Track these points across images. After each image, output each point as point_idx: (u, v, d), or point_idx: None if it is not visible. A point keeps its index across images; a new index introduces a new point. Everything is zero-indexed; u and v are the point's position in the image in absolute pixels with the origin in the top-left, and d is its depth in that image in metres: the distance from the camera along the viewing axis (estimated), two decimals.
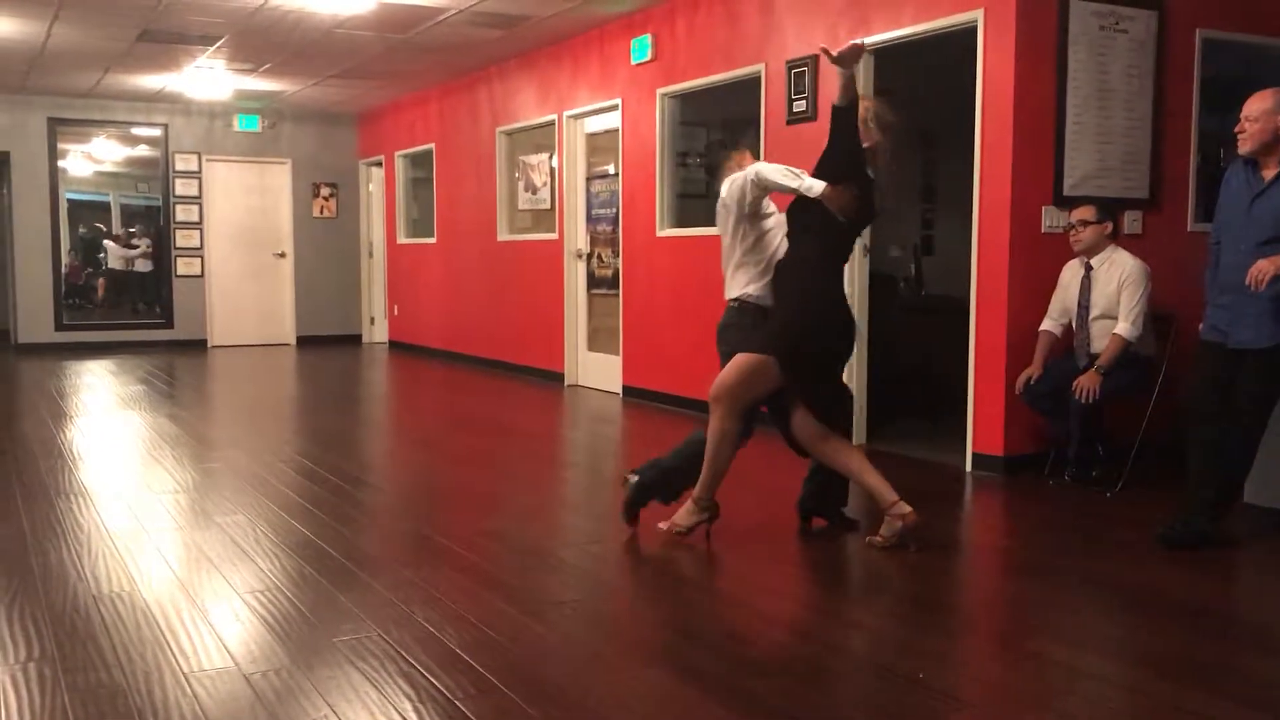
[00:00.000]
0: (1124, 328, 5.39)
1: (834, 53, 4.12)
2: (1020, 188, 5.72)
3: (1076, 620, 3.73)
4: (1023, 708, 2.95)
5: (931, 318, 7.43)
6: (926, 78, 7.24)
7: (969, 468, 5.95)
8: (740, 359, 4.33)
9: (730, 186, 4.41)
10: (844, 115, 4.19)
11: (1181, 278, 5.68)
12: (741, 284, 4.45)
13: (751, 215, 4.43)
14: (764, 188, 4.30)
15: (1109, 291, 5.48)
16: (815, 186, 4.17)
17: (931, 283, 8.13)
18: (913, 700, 2.95)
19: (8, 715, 2.78)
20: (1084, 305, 5.57)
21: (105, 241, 13.93)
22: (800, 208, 4.32)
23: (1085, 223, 5.55)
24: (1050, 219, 5.82)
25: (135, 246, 13.93)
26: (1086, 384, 5.33)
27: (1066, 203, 5.77)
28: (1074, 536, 4.86)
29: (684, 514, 4.52)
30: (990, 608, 3.98)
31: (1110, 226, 5.57)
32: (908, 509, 4.35)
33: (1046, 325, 5.69)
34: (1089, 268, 5.57)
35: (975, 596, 4.16)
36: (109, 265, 13.93)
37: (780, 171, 4.25)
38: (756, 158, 4.59)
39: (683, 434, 7.38)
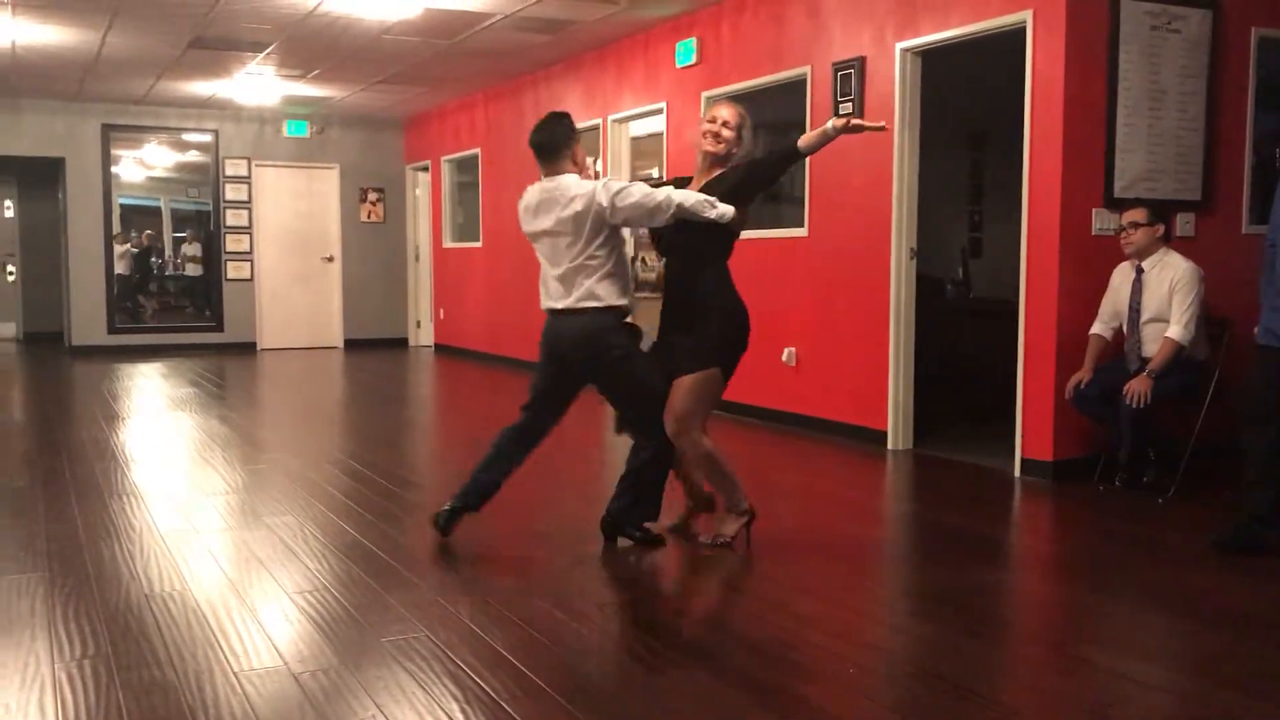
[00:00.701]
0: (1176, 331, 5.31)
1: (856, 122, 4.19)
2: (1070, 190, 5.66)
3: (1128, 627, 3.68)
4: (1073, 716, 2.91)
5: (979, 321, 7.37)
6: (974, 79, 7.18)
7: (1018, 472, 5.88)
8: (688, 383, 4.30)
9: (622, 199, 4.21)
10: (796, 159, 4.33)
11: (1236, 281, 5.60)
12: (617, 292, 4.30)
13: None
14: (681, 218, 4.20)
15: (1160, 295, 5.41)
16: (727, 213, 4.18)
17: (979, 285, 8.07)
18: (961, 707, 2.92)
19: (64, 712, 2.83)
20: (1135, 309, 5.50)
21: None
22: (706, 230, 4.26)
23: (1136, 225, 5.48)
24: (1101, 221, 5.75)
25: (126, 243, 14.03)
26: (1138, 388, 5.26)
27: (1117, 205, 5.70)
28: (1125, 542, 4.79)
29: (725, 524, 4.51)
30: (1039, 614, 3.94)
31: (1162, 229, 5.50)
32: (749, 507, 4.46)
33: (1097, 329, 5.62)
34: (1140, 270, 5.50)
35: (1024, 603, 4.11)
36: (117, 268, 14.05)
37: (700, 202, 4.18)
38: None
39: (725, 435, 7.37)
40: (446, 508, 4.50)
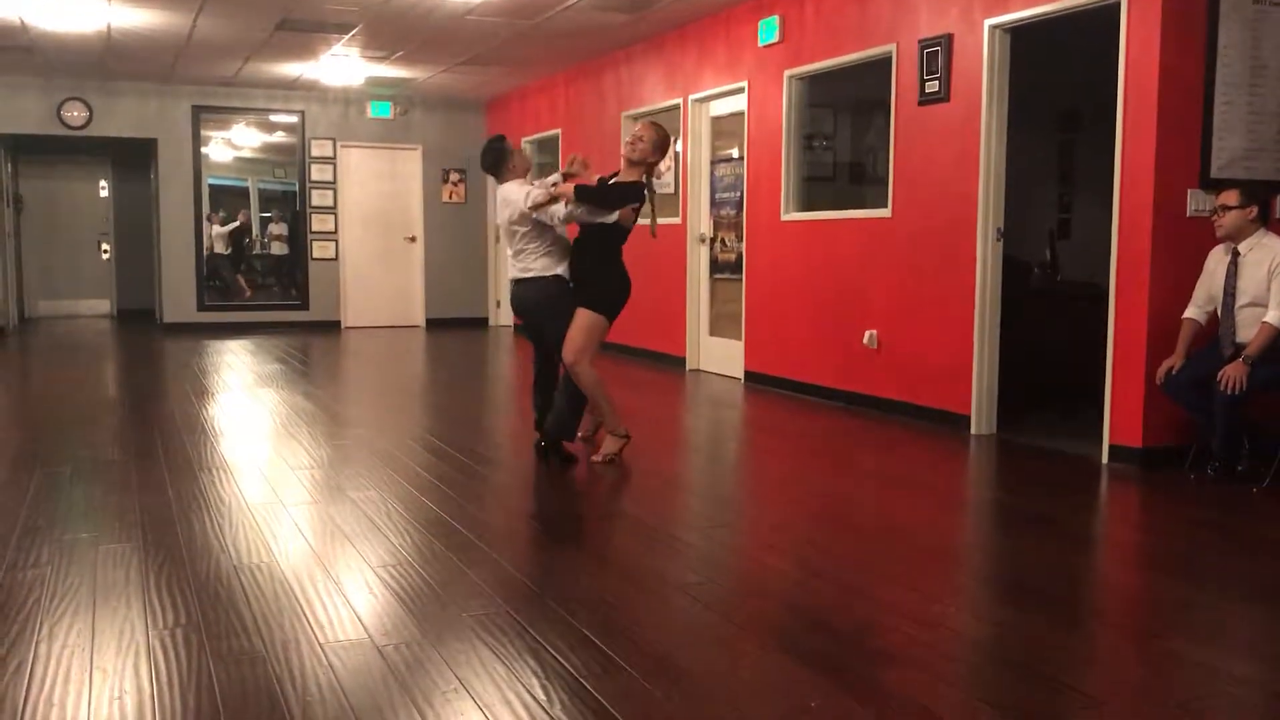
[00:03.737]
0: (1275, 316, 5.16)
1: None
2: (1164, 170, 5.51)
3: (1218, 620, 3.59)
4: (1160, 709, 2.85)
5: (1067, 304, 7.22)
6: (1065, 56, 7.02)
7: (1105, 460, 5.76)
8: (580, 324, 5.59)
9: (527, 202, 5.60)
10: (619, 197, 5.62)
11: None
12: (553, 265, 5.67)
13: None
14: (573, 216, 5.58)
15: (1258, 278, 5.25)
16: (558, 212, 5.55)
17: (1068, 268, 7.90)
18: (1046, 697, 2.88)
19: (158, 677, 2.91)
20: (1230, 292, 5.34)
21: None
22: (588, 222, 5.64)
23: (1227, 208, 5.33)
24: (1196, 203, 5.59)
25: (221, 221, 14.41)
26: (1233, 374, 5.12)
27: (1214, 186, 5.53)
28: (1217, 533, 4.67)
29: (609, 444, 5.71)
30: (1126, 604, 3.86)
31: (1255, 211, 5.32)
32: (626, 432, 5.73)
33: (1190, 313, 5.48)
34: (1236, 253, 5.35)
35: (1111, 593, 4.03)
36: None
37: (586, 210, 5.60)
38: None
39: (804, 418, 7.35)
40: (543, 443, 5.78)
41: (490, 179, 6.62)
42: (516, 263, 5.78)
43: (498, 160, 5.93)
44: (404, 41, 10.44)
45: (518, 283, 5.82)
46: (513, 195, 5.69)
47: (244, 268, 14.68)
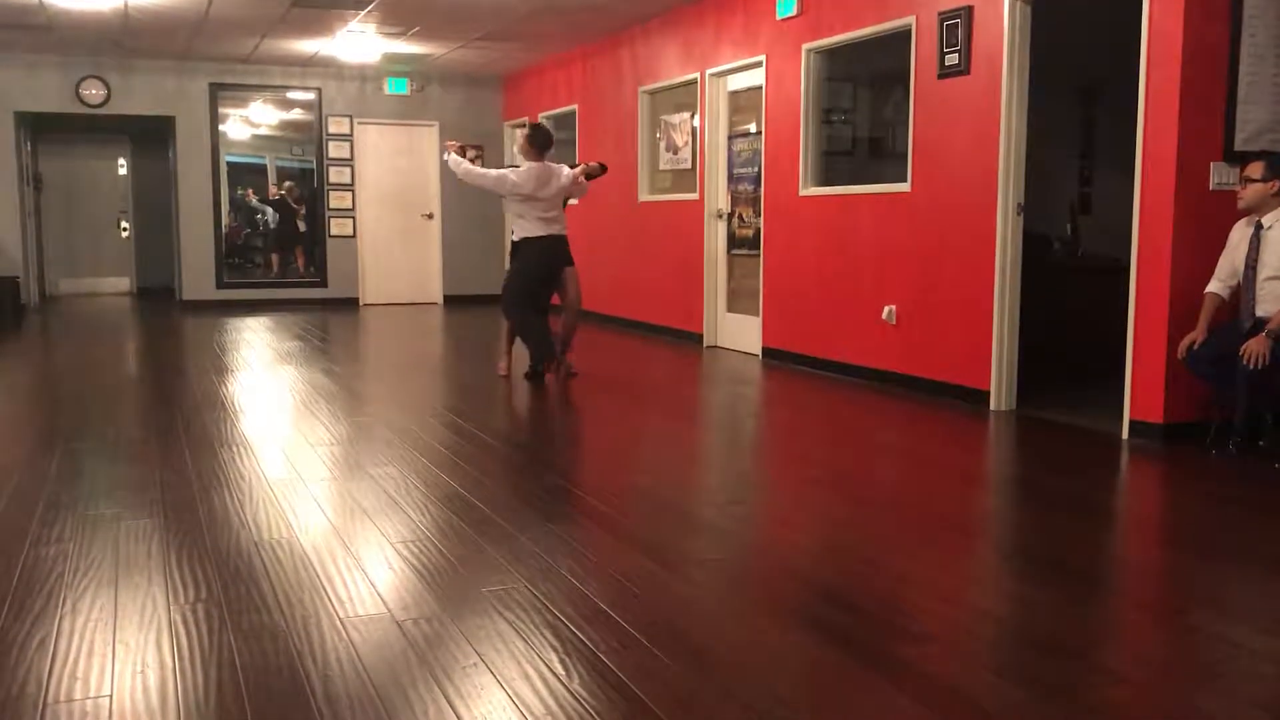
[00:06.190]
0: None
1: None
2: (1187, 143, 5.45)
3: (1241, 595, 3.57)
4: (1185, 683, 2.83)
5: (1087, 279, 7.17)
6: (1086, 27, 6.94)
7: (1126, 435, 5.73)
8: None
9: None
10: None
11: None
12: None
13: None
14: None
15: None
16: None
17: (1089, 242, 7.84)
18: (1069, 672, 2.86)
19: (179, 652, 2.93)
20: (1251, 265, 5.29)
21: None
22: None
23: (1250, 179, 5.26)
24: (1219, 176, 5.53)
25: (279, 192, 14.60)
26: (1256, 348, 5.07)
27: (1238, 158, 5.47)
28: (1239, 508, 4.64)
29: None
30: (1148, 580, 3.84)
31: (1278, 185, 5.26)
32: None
33: (1213, 287, 5.43)
34: (1259, 226, 5.29)
35: (1132, 568, 4.00)
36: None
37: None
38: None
39: (822, 394, 7.34)
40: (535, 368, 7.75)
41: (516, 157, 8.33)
42: (559, 222, 7.74)
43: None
44: (421, 17, 10.41)
45: (561, 239, 7.74)
46: (563, 170, 7.67)
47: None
